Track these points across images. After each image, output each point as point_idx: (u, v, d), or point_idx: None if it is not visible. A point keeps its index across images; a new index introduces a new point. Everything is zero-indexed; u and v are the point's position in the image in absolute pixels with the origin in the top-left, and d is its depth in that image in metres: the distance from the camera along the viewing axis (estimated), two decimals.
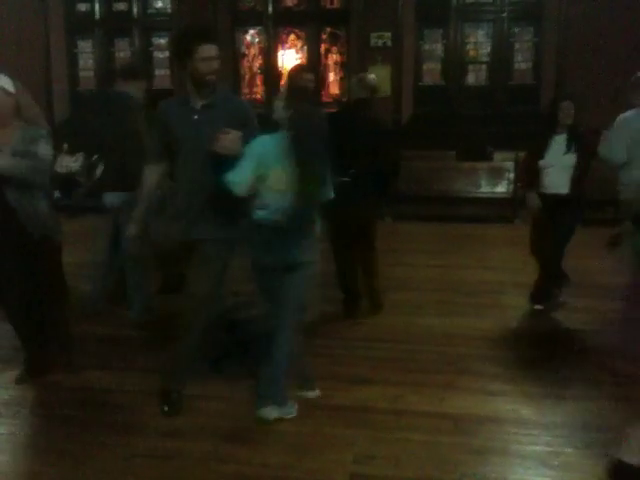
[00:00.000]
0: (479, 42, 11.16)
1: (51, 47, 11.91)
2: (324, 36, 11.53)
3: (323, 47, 11.54)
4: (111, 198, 4.90)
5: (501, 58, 10.93)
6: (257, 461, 3.12)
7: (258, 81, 11.92)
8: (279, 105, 3.63)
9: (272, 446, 3.24)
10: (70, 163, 5.09)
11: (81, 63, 12.44)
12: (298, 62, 11.06)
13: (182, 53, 3.40)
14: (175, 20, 11.59)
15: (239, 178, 3.35)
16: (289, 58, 11.65)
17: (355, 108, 5.08)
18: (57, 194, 5.27)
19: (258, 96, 11.83)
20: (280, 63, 11.70)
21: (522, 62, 10.99)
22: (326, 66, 11.53)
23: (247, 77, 11.83)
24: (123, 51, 12.30)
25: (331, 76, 11.52)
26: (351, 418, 3.52)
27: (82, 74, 12.35)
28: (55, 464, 3.12)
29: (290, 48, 11.71)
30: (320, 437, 3.33)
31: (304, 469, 3.06)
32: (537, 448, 3.24)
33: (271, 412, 3.50)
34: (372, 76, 5.11)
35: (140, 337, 4.72)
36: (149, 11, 12.08)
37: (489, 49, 11.07)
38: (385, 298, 5.37)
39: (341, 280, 5.17)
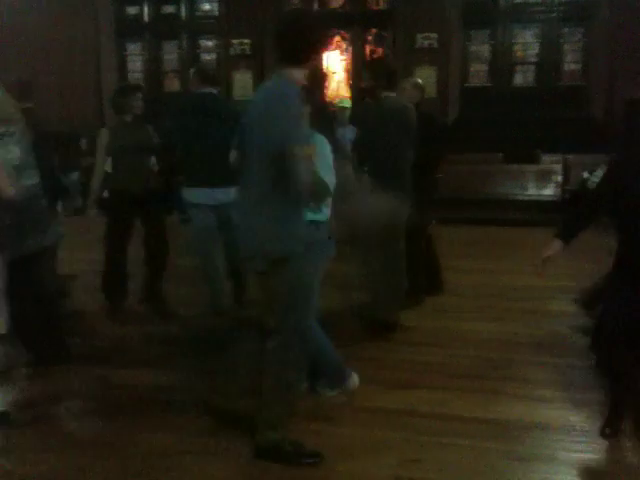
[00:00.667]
0: (527, 43, 11.01)
1: (101, 50, 12.19)
2: (369, 37, 11.52)
3: (368, 49, 11.53)
4: (219, 195, 4.78)
5: (550, 59, 10.76)
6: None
7: None
8: None
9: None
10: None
11: (130, 66, 12.69)
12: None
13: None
14: (222, 23, 11.73)
15: (328, 177, 3.30)
16: (334, 60, 11.67)
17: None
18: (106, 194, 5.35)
19: None
20: (324, 64, 11.72)
21: (571, 63, 10.79)
22: None
23: None
24: (171, 53, 12.51)
25: None
26: (395, 422, 3.50)
27: (131, 76, 12.60)
28: (100, 459, 3.17)
29: (335, 49, 11.72)
30: (364, 440, 3.32)
31: (348, 471, 3.05)
32: (585, 456, 3.18)
33: (324, 388, 3.75)
34: (419, 80, 5.55)
35: (191, 337, 4.81)
36: (197, 14, 12.25)
37: (537, 50, 10.91)
38: (430, 302, 5.41)
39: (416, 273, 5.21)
